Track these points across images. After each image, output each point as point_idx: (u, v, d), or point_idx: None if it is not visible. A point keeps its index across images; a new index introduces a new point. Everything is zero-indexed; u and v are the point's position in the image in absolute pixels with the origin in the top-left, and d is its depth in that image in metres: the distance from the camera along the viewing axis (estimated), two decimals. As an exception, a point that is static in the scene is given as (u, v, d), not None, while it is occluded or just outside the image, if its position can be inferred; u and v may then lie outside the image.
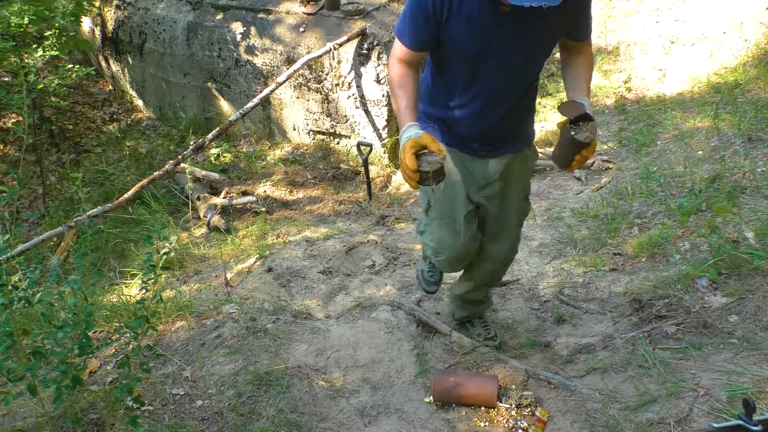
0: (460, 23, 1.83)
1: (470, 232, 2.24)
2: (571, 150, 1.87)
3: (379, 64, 4.97)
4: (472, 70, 1.95)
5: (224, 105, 5.86)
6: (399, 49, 1.96)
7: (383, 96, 5.03)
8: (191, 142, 4.95)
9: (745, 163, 3.57)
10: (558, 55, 2.21)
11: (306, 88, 5.31)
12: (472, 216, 2.24)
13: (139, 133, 6.24)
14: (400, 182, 5.11)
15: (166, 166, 4.49)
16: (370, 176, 4.85)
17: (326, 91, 5.23)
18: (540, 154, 4.95)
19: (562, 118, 1.90)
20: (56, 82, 5.11)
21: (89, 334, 1.88)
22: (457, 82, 2.02)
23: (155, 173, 4.44)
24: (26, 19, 4.91)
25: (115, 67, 6.63)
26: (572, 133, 1.85)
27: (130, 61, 6.33)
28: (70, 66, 5.35)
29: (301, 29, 5.31)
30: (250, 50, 5.46)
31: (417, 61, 1.98)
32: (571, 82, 2.02)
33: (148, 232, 2.15)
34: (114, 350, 2.37)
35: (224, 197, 4.74)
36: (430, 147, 1.82)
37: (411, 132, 1.85)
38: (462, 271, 2.55)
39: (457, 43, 1.89)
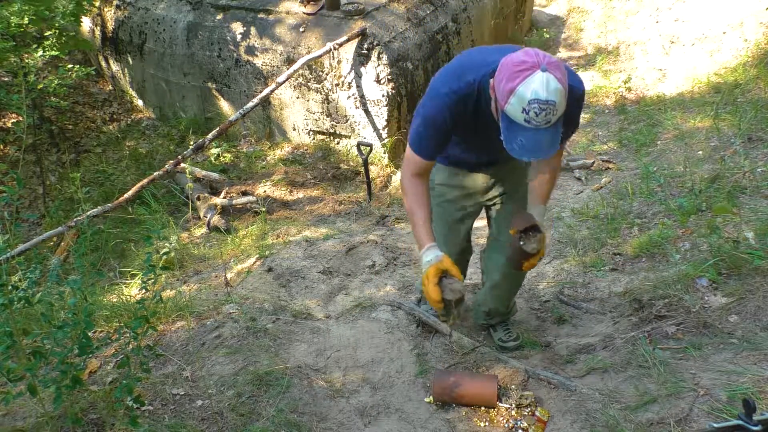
0: (470, 128, 1.99)
1: (464, 244, 2.52)
2: (520, 257, 2.10)
3: (379, 64, 4.97)
4: (474, 147, 2.18)
5: (224, 105, 5.85)
6: (414, 162, 2.06)
7: (383, 96, 5.03)
8: (191, 142, 4.95)
9: (745, 163, 3.57)
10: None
11: (306, 88, 5.31)
12: (468, 232, 2.51)
13: (139, 133, 6.24)
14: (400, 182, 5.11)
15: (166, 166, 4.49)
16: (370, 176, 4.85)
17: (326, 91, 5.23)
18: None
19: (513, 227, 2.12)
20: (56, 82, 5.10)
21: (89, 334, 1.88)
22: (460, 147, 2.21)
23: (155, 173, 4.44)
24: (26, 19, 4.90)
25: (115, 67, 6.63)
26: (521, 243, 2.07)
27: (130, 61, 6.33)
28: (70, 66, 5.35)
29: (301, 29, 5.31)
30: (250, 50, 5.46)
31: (430, 168, 2.13)
32: (533, 187, 2.20)
33: (148, 232, 2.15)
34: (114, 350, 2.37)
35: (224, 197, 4.74)
36: (450, 271, 2.00)
37: (431, 255, 2.01)
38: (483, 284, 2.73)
39: (463, 138, 2.10)
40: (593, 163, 4.73)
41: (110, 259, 4.11)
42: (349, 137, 5.35)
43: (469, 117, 1.94)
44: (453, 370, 2.42)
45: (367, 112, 5.14)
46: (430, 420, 2.21)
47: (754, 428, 1.04)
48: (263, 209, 4.42)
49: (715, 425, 1.07)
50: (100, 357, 2.44)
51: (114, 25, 6.34)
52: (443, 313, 2.04)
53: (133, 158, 5.69)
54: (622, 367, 2.31)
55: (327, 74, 5.16)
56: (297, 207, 4.84)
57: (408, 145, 2.07)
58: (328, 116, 5.34)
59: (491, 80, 1.80)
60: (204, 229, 4.48)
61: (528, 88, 1.65)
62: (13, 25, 4.85)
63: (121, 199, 4.29)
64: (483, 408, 2.25)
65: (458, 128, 1.98)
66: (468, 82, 1.89)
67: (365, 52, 5.01)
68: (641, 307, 2.62)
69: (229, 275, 3.41)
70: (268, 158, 5.57)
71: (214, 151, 5.54)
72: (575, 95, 1.85)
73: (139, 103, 6.59)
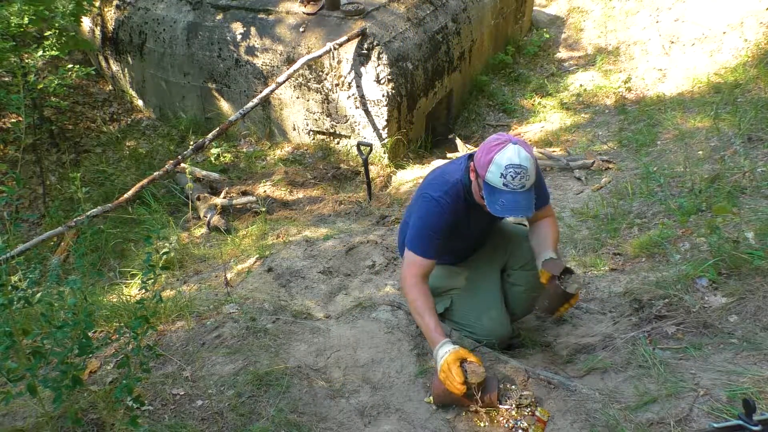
0: (464, 221, 2.27)
1: (503, 306, 2.56)
2: (561, 301, 2.15)
3: (379, 64, 4.97)
4: (466, 242, 2.46)
5: (224, 105, 5.86)
6: (419, 264, 2.25)
7: (383, 96, 5.03)
8: (191, 142, 4.95)
9: (745, 163, 3.57)
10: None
11: (306, 88, 5.31)
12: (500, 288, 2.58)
13: (139, 133, 6.24)
14: (400, 182, 5.11)
15: (166, 166, 4.49)
16: (370, 176, 4.84)
17: (326, 91, 5.23)
18: (539, 155, 4.96)
19: (545, 274, 2.21)
20: (56, 82, 5.10)
21: (89, 334, 1.88)
22: (453, 248, 2.47)
23: (155, 173, 4.44)
24: (26, 19, 4.90)
25: (115, 67, 6.63)
26: (563, 287, 2.12)
27: (130, 61, 6.33)
28: (70, 66, 5.35)
29: (301, 29, 5.31)
30: (250, 50, 5.46)
31: (432, 269, 2.30)
32: (537, 241, 2.39)
33: (148, 232, 2.15)
34: (114, 350, 2.37)
35: (224, 197, 4.74)
36: (469, 357, 2.11)
37: (448, 347, 2.13)
38: None
39: (458, 234, 2.31)
40: (593, 163, 4.73)
41: (110, 259, 4.11)
42: (349, 137, 5.35)
43: (462, 211, 2.23)
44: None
45: (367, 112, 5.14)
46: (430, 420, 2.21)
47: (754, 428, 1.04)
48: (263, 209, 4.41)
49: (715, 425, 1.07)
50: (100, 357, 2.44)
51: (114, 25, 6.34)
52: (467, 396, 2.10)
53: (133, 158, 5.69)
54: (622, 367, 2.31)
55: (327, 74, 5.16)
56: (297, 207, 4.84)
57: (409, 250, 2.25)
58: (328, 116, 5.34)
59: (471, 163, 2.15)
60: (204, 229, 4.48)
61: (503, 156, 2.00)
62: (13, 25, 4.86)
63: (121, 199, 4.29)
64: (483, 408, 2.24)
65: (455, 219, 2.23)
66: (453, 181, 2.23)
67: (365, 52, 5.01)
68: (641, 307, 2.62)
69: (229, 275, 3.41)
70: (268, 158, 5.57)
71: (214, 151, 5.55)
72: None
73: (139, 103, 6.59)
